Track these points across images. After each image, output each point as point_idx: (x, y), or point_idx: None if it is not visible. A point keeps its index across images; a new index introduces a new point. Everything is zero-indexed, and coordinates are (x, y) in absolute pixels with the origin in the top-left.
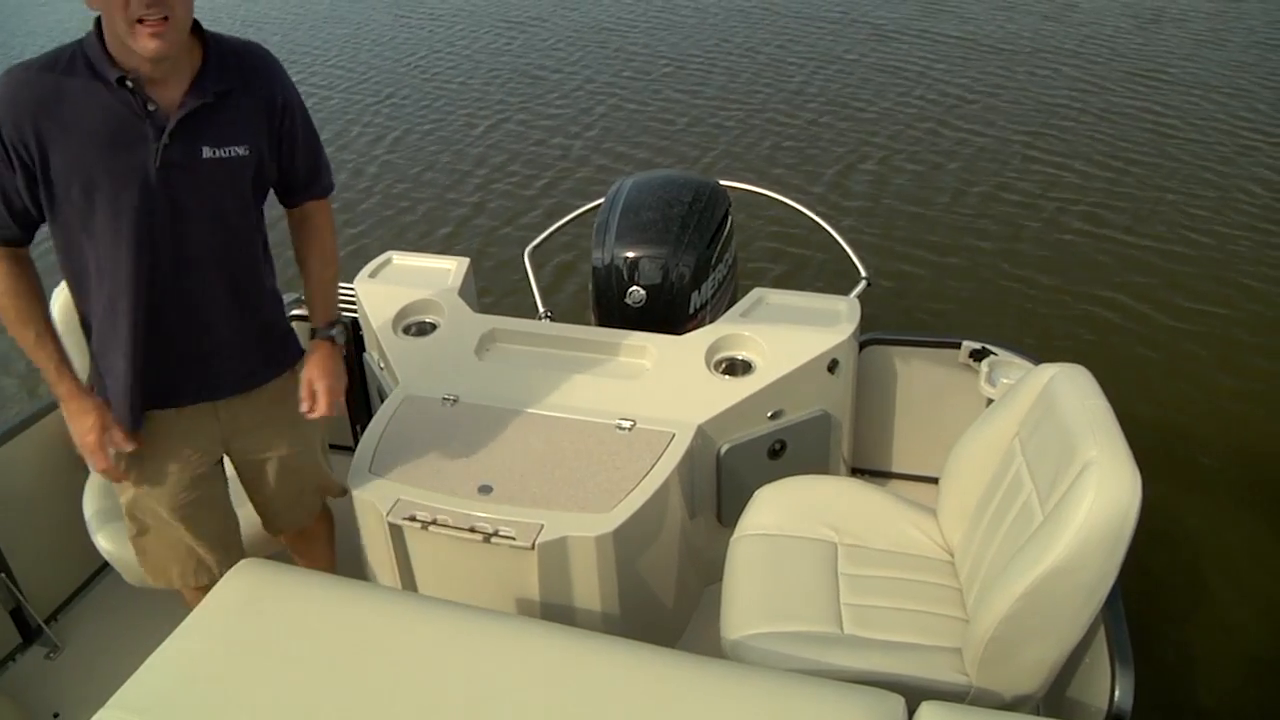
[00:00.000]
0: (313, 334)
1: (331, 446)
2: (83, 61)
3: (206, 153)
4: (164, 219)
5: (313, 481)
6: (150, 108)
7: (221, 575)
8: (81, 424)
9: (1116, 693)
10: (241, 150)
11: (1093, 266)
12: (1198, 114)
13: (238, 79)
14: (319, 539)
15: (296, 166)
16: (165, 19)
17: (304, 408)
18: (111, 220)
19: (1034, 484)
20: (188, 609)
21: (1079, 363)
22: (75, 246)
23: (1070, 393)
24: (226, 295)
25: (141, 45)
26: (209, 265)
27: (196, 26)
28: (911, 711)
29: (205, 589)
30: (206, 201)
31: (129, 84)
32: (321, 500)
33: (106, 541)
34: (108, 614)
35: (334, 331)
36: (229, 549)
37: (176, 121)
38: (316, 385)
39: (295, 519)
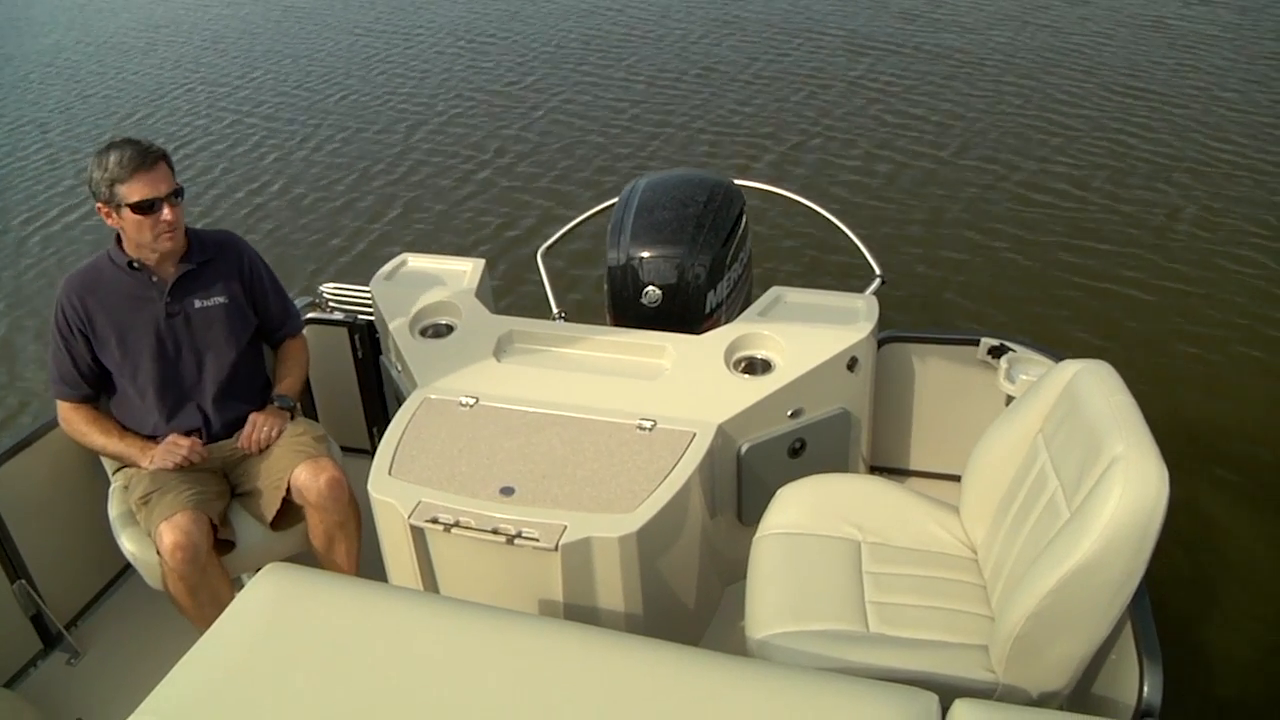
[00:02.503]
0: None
1: (349, 449)
2: (107, 260)
3: (196, 304)
4: (174, 352)
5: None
6: (154, 279)
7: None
8: (166, 443)
9: (1145, 689)
10: (221, 299)
11: (1111, 263)
12: (1233, 110)
13: (213, 253)
14: (344, 539)
15: (270, 310)
16: (175, 230)
17: (252, 448)
18: (140, 357)
19: (1059, 480)
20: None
21: (1098, 358)
22: (120, 386)
23: (1095, 388)
24: (226, 395)
25: (162, 246)
26: (211, 381)
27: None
28: (944, 709)
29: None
30: (200, 337)
31: (136, 266)
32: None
33: (130, 543)
34: (127, 619)
35: (277, 404)
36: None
37: (171, 284)
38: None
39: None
